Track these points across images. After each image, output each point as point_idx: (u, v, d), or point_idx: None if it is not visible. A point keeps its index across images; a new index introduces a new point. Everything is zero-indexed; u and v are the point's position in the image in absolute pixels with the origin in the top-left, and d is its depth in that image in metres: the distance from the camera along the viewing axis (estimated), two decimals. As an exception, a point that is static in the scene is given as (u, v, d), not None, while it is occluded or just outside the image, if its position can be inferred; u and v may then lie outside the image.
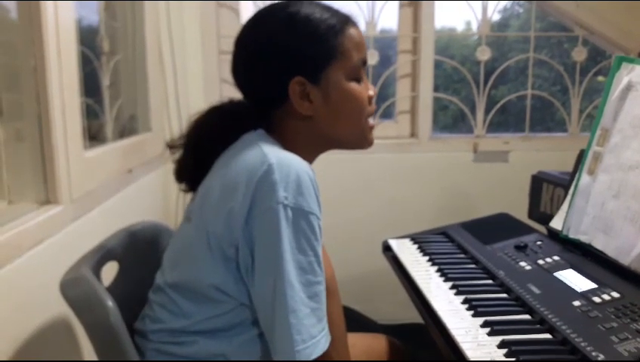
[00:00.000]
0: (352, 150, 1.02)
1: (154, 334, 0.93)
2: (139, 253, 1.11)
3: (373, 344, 1.32)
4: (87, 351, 1.10)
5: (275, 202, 0.79)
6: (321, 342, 0.82)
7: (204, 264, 0.86)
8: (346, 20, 0.95)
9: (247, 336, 0.90)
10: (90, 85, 1.51)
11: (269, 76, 0.93)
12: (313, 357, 0.80)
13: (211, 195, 0.87)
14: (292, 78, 0.91)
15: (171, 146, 1.01)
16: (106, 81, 1.66)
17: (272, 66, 0.92)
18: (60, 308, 0.96)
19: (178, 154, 1.01)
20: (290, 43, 0.91)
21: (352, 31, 0.94)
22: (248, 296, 0.86)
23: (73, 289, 0.90)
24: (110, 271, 1.05)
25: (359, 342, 1.25)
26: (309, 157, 0.96)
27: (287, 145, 0.92)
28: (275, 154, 0.84)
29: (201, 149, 0.97)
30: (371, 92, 0.99)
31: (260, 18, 0.96)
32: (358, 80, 0.95)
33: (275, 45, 0.92)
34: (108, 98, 1.66)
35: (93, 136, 1.54)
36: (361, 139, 0.99)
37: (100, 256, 0.99)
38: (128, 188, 1.62)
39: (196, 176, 0.97)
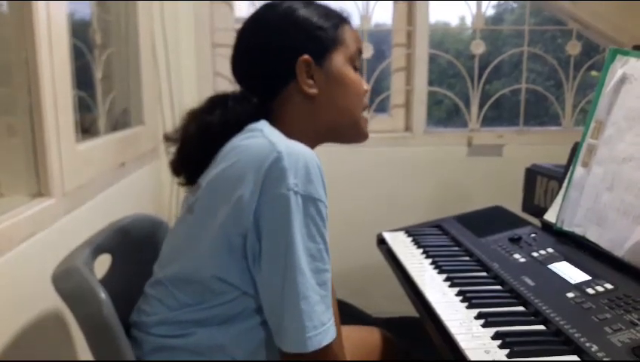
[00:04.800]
0: (348, 143, 1.05)
1: (151, 327, 0.92)
2: (132, 246, 1.11)
3: (366, 337, 1.32)
4: (80, 343, 1.09)
5: (285, 188, 0.80)
6: (330, 330, 0.82)
7: (208, 255, 0.86)
8: (344, 18, 1.02)
9: (247, 325, 0.89)
10: (83, 78, 1.50)
11: (276, 61, 0.96)
12: (324, 343, 0.81)
13: (217, 186, 0.87)
14: (299, 55, 0.94)
15: (168, 139, 1.01)
16: (98, 74, 1.65)
17: (280, 51, 0.96)
18: (52, 301, 0.96)
19: (174, 147, 1.00)
20: (298, 30, 0.96)
21: (349, 26, 1.02)
22: (253, 284, 0.86)
23: (66, 281, 0.89)
24: (103, 264, 1.04)
25: (353, 335, 1.24)
26: (308, 145, 0.96)
27: (288, 133, 0.92)
28: (283, 143, 0.84)
29: (202, 143, 0.96)
30: (366, 86, 1.03)
31: (265, 13, 1.00)
32: (355, 69, 1.01)
33: (283, 32, 0.96)
34: (100, 91, 1.65)
35: (86, 129, 1.53)
36: (357, 131, 1.03)
37: (93, 248, 0.99)
38: (121, 182, 1.61)
39: (196, 169, 0.96)
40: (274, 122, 0.96)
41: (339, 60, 0.98)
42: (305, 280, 0.80)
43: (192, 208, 0.92)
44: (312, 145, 0.99)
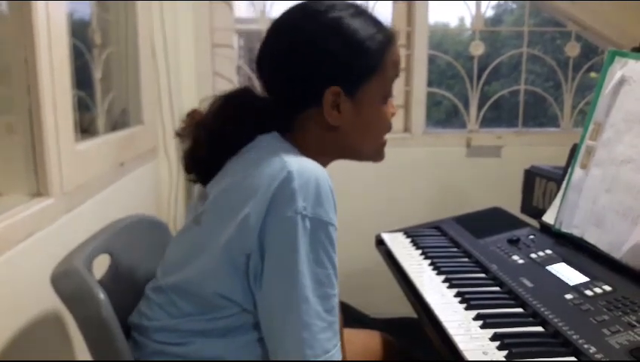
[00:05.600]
0: (363, 161, 1.02)
1: (151, 332, 0.91)
2: (131, 246, 1.10)
3: (368, 340, 1.32)
4: (79, 344, 1.09)
5: (293, 212, 0.77)
6: (334, 357, 0.80)
7: (210, 271, 0.84)
8: (391, 38, 0.94)
9: (246, 339, 0.88)
10: (82, 78, 1.50)
11: (305, 79, 0.90)
12: None
13: (224, 201, 0.85)
14: (329, 85, 0.88)
15: (180, 135, 0.98)
16: (97, 73, 1.65)
17: (313, 70, 0.89)
18: (51, 301, 0.96)
19: (185, 143, 0.97)
20: (338, 51, 0.88)
21: (394, 48, 0.94)
22: (254, 302, 0.84)
23: (64, 281, 0.89)
24: (102, 265, 1.04)
25: (355, 339, 1.24)
26: (322, 162, 0.93)
27: (303, 149, 0.90)
28: (295, 161, 0.82)
29: (215, 142, 0.93)
30: (393, 110, 0.98)
31: (306, 16, 0.92)
32: (387, 97, 0.95)
33: (321, 50, 0.88)
34: (100, 91, 1.65)
35: (85, 128, 1.53)
36: (375, 155, 1.00)
37: (92, 248, 0.98)
38: (120, 182, 1.61)
39: (207, 168, 0.94)
40: (290, 137, 0.92)
41: (372, 92, 0.92)
42: (309, 308, 0.78)
43: (199, 219, 0.90)
44: (327, 162, 0.97)
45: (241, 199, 0.82)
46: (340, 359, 0.81)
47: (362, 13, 0.93)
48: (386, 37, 0.93)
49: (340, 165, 1.01)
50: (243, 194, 0.82)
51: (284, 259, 0.78)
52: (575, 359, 0.85)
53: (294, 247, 0.77)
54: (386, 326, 1.48)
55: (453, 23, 2.68)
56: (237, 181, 0.85)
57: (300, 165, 0.81)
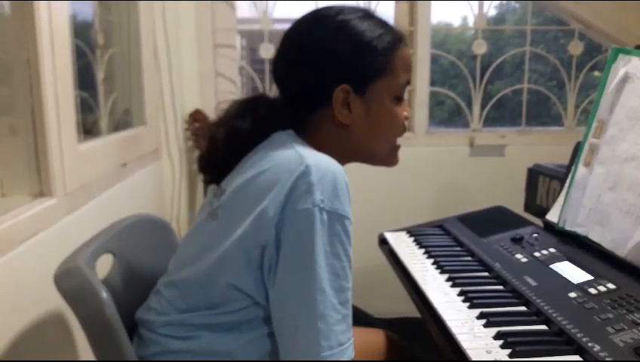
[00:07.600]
0: (375, 166, 1.04)
1: (158, 327, 0.91)
2: (134, 246, 1.11)
3: (371, 339, 1.31)
4: (82, 343, 1.09)
5: (311, 204, 0.78)
6: (348, 350, 0.80)
7: (226, 263, 0.85)
8: (400, 39, 0.96)
9: (255, 334, 0.88)
10: (85, 79, 1.50)
11: (316, 79, 0.93)
12: None
13: (242, 195, 0.86)
14: (339, 84, 0.91)
15: (195, 135, 1.01)
16: (100, 74, 1.65)
17: (322, 70, 0.93)
18: (54, 301, 0.96)
19: (199, 143, 1.01)
20: (345, 50, 0.92)
21: (404, 50, 0.96)
22: (266, 295, 0.84)
23: (67, 281, 0.89)
24: (105, 265, 1.04)
25: (357, 338, 1.24)
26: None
27: (317, 148, 0.91)
28: (312, 156, 0.83)
29: (230, 148, 0.96)
30: (406, 113, 1.00)
31: (315, 20, 0.96)
32: (399, 99, 0.97)
33: (329, 50, 0.92)
34: (102, 92, 1.66)
35: (88, 129, 1.53)
36: (388, 158, 1.03)
37: (95, 248, 0.98)
38: (123, 182, 1.61)
39: (222, 168, 0.96)
40: (303, 134, 0.95)
41: (382, 92, 0.94)
42: (324, 299, 0.78)
43: (215, 213, 0.90)
44: (341, 163, 0.96)
45: (258, 192, 0.83)
46: (352, 356, 0.81)
47: (370, 16, 0.96)
48: (395, 38, 0.95)
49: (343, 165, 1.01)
50: (260, 188, 0.83)
51: (301, 251, 0.79)
52: (579, 357, 0.85)
53: (312, 239, 0.78)
54: (389, 325, 1.48)
55: (456, 22, 2.68)
56: (254, 175, 0.86)
57: (317, 159, 0.83)
